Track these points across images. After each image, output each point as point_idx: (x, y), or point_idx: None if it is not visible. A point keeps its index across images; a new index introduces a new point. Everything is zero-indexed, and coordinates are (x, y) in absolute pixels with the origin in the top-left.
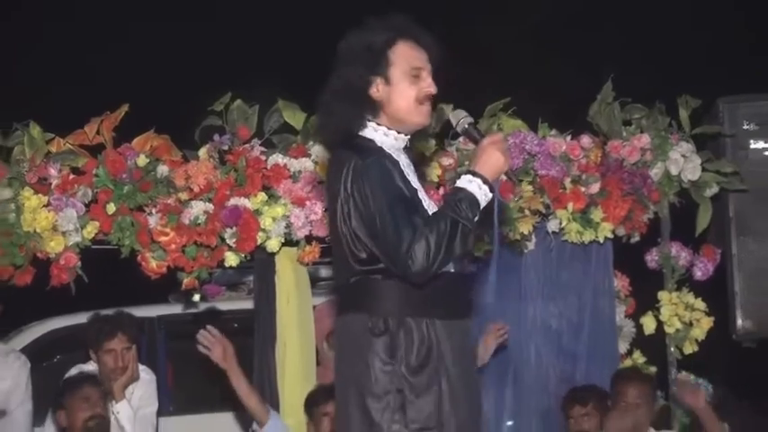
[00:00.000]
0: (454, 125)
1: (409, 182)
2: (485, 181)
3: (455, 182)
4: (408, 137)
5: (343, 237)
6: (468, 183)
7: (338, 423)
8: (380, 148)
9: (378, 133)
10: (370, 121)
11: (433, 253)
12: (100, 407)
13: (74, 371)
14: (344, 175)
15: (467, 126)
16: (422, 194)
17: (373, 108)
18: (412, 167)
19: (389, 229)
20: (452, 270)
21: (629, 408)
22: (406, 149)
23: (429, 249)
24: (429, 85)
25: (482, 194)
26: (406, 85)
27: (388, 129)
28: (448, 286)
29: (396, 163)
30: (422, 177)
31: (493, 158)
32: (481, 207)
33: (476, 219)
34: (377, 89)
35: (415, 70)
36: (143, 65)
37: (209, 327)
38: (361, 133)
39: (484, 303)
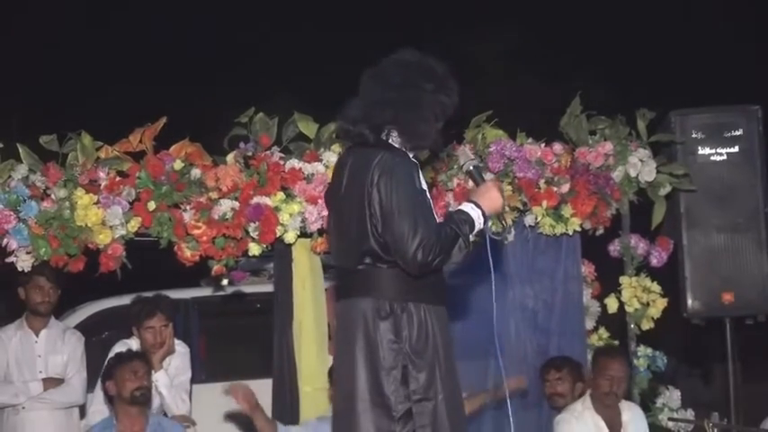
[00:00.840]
0: (461, 163)
1: (422, 184)
2: (483, 213)
3: (461, 204)
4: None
5: (361, 225)
6: (471, 210)
7: (344, 391)
8: (405, 152)
9: (398, 142)
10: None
11: (436, 254)
12: (146, 379)
13: (119, 345)
14: (373, 167)
15: (471, 168)
16: (428, 195)
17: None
18: (422, 174)
19: (406, 226)
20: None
21: (613, 381)
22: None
23: (433, 251)
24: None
25: (479, 223)
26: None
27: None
28: (436, 278)
29: (415, 166)
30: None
31: (494, 197)
32: (475, 231)
33: (470, 238)
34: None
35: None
36: (178, 82)
37: (235, 383)
38: (385, 138)
39: (475, 287)
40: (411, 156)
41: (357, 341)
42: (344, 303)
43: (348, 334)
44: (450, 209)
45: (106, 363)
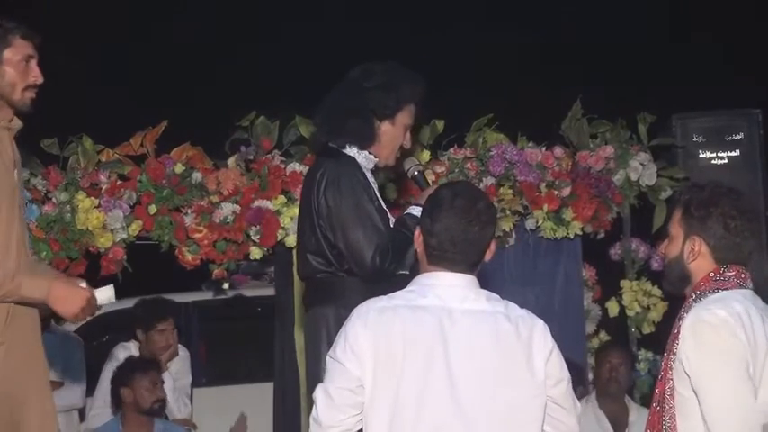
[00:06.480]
0: (406, 169)
1: (374, 192)
2: None
3: (410, 207)
4: (377, 160)
5: (313, 234)
6: (419, 212)
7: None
8: (354, 159)
9: (352, 149)
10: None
11: (390, 260)
12: (161, 390)
13: (119, 348)
14: (318, 177)
15: (416, 173)
16: (380, 203)
17: (374, 135)
18: (375, 184)
19: (360, 234)
20: (407, 272)
21: (612, 367)
22: (373, 170)
23: (388, 256)
24: (407, 143)
25: None
26: (399, 136)
27: (360, 150)
28: (393, 284)
29: (364, 175)
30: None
31: None
32: None
33: None
34: (383, 126)
35: (407, 129)
36: (179, 87)
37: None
38: (332, 145)
39: None
40: (372, 166)
41: (321, 355)
42: (309, 316)
43: (313, 348)
44: (404, 213)
45: (118, 367)
